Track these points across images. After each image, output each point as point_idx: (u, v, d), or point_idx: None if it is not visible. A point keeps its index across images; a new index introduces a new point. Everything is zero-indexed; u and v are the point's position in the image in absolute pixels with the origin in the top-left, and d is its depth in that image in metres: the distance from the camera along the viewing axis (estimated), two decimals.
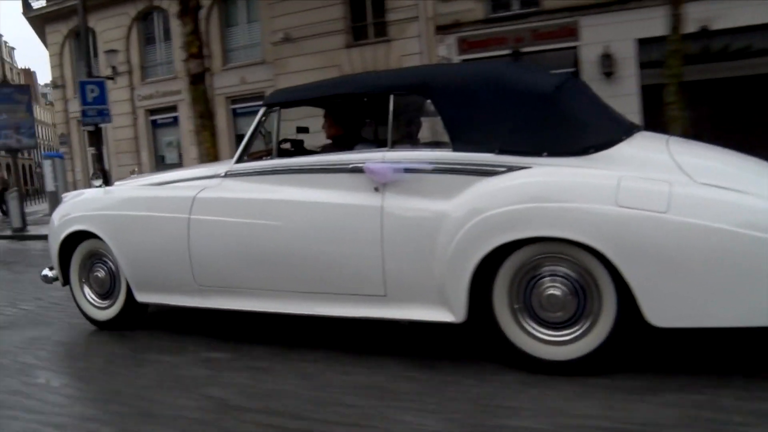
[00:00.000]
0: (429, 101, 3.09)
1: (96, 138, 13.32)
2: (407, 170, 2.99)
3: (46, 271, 4.32)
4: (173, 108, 18.80)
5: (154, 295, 3.74)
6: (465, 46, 14.60)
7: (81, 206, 4.03)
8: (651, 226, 2.49)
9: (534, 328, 2.78)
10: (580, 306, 2.70)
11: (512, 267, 2.77)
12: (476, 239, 2.75)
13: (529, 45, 14.12)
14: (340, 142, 3.69)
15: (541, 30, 14.05)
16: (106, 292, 4.04)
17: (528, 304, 2.79)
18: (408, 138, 3.29)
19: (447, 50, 14.44)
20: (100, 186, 4.19)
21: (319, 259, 3.13)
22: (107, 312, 4.04)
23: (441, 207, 2.88)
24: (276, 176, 3.39)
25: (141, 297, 3.79)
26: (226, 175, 3.59)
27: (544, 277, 2.74)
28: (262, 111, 3.55)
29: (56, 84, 21.43)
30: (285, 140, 3.73)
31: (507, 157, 2.85)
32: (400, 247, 2.94)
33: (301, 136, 3.98)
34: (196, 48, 11.29)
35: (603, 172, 2.67)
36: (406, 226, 2.94)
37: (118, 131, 19.95)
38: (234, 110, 17.66)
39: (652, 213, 2.49)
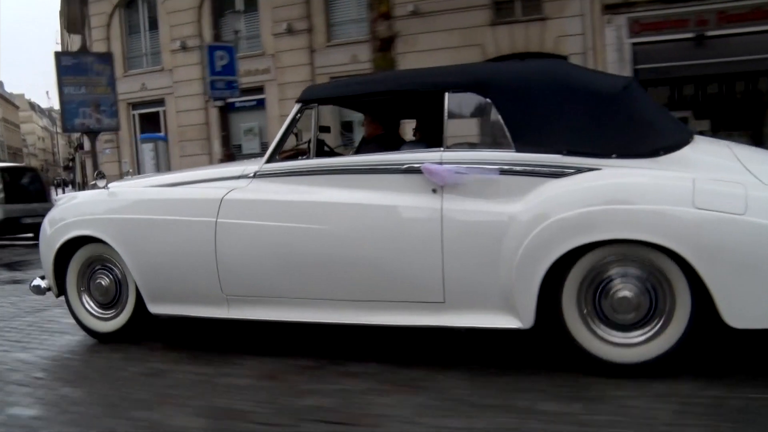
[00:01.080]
0: (488, 100, 3.01)
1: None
2: (469, 171, 2.95)
3: (38, 281, 4.01)
4: (258, 89, 16.44)
5: (171, 306, 3.52)
6: (637, 28, 12.99)
7: (82, 210, 3.78)
8: (730, 229, 2.56)
9: (605, 331, 2.80)
10: (651, 305, 2.74)
11: (581, 270, 2.79)
12: (548, 242, 2.74)
13: (714, 29, 12.51)
14: (381, 142, 3.63)
15: (730, 12, 12.46)
16: (110, 301, 3.80)
17: (598, 307, 2.81)
18: (463, 138, 3.21)
19: (616, 32, 12.63)
20: (104, 187, 3.82)
21: (371, 264, 3.04)
22: (111, 323, 3.80)
23: (506, 209, 2.86)
24: (317, 177, 3.27)
25: (155, 308, 3.57)
26: (256, 175, 3.41)
27: (614, 279, 2.78)
28: (297, 107, 3.40)
29: None
30: (307, 141, 3.58)
31: (575, 158, 2.85)
32: (461, 251, 2.90)
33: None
34: (386, 6, 9.15)
35: (677, 174, 2.74)
36: (469, 229, 2.91)
37: (183, 116, 17.54)
38: None
39: (730, 215, 2.57)
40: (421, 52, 13.74)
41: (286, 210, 3.20)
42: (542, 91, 2.99)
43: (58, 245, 3.76)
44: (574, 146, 2.85)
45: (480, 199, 2.90)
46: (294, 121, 3.39)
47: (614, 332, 2.78)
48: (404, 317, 3.01)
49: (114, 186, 3.88)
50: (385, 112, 3.80)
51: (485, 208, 2.88)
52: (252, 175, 3.41)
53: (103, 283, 3.77)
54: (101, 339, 3.82)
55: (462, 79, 3.14)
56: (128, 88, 18.50)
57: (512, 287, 2.80)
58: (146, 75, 18.29)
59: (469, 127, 3.23)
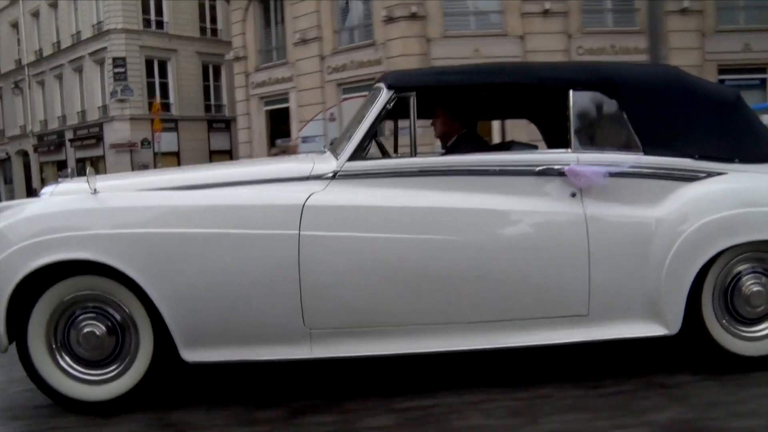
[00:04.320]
0: (614, 100, 3.03)
1: None
2: (611, 174, 2.94)
3: None
4: None
5: (223, 349, 2.83)
6: None
7: (60, 223, 2.79)
8: None
9: (739, 329, 2.98)
10: None
11: (716, 271, 2.94)
12: (698, 245, 2.86)
13: None
14: (472, 142, 3.49)
15: None
16: (107, 357, 2.88)
17: (731, 305, 2.98)
18: (589, 139, 3.11)
19: None
20: (94, 191, 2.85)
21: (510, 277, 2.87)
22: (111, 386, 2.87)
23: (650, 212, 2.93)
24: (424, 179, 2.97)
25: (195, 355, 2.81)
26: (337, 176, 2.96)
27: (744, 275, 2.97)
28: (387, 96, 3.01)
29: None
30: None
31: (705, 162, 3.02)
32: (609, 257, 2.87)
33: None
34: None
35: None
36: (617, 234, 2.90)
37: None
38: (720, 81, 14.39)
39: None
40: None
41: (397, 218, 2.83)
42: (669, 94, 3.09)
43: (18, 278, 2.71)
44: (703, 151, 3.02)
45: (620, 204, 2.93)
46: (384, 110, 2.97)
47: (747, 327, 2.99)
48: (543, 335, 2.86)
49: (104, 188, 2.91)
50: (465, 109, 3.61)
51: (630, 213, 2.92)
52: (330, 175, 2.93)
53: (96, 332, 2.82)
54: (86, 410, 2.82)
55: (587, 77, 3.09)
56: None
57: (660, 292, 2.86)
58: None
59: (592, 128, 3.10)
